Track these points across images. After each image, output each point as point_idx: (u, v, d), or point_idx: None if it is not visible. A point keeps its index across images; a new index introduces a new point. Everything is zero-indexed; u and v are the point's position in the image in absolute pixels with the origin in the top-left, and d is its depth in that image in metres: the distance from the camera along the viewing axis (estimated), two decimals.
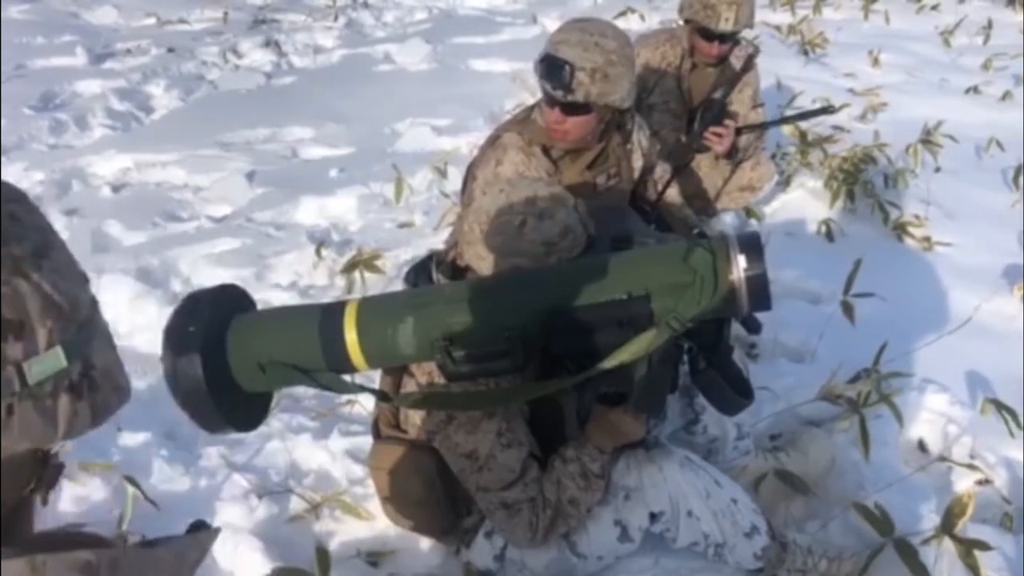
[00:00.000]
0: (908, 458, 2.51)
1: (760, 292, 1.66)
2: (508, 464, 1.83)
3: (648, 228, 2.74)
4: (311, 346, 1.58)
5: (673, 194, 2.94)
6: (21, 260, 0.66)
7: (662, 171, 2.90)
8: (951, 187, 4.02)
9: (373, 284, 3.19)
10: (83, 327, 0.70)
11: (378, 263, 3.27)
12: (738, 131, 3.37)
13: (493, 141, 2.60)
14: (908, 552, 1.92)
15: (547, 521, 1.86)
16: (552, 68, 2.38)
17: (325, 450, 2.45)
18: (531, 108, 2.62)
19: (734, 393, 1.83)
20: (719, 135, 3.25)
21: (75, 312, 0.69)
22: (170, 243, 3.67)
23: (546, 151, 2.53)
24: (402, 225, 3.78)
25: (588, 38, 2.37)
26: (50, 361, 0.67)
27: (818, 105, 3.64)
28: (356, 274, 3.25)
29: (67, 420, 0.69)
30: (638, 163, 2.77)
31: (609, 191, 2.66)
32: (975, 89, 5.23)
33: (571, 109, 2.42)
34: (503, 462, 1.82)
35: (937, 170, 4.13)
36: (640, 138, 2.75)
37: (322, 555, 1.96)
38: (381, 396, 1.88)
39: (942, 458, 2.46)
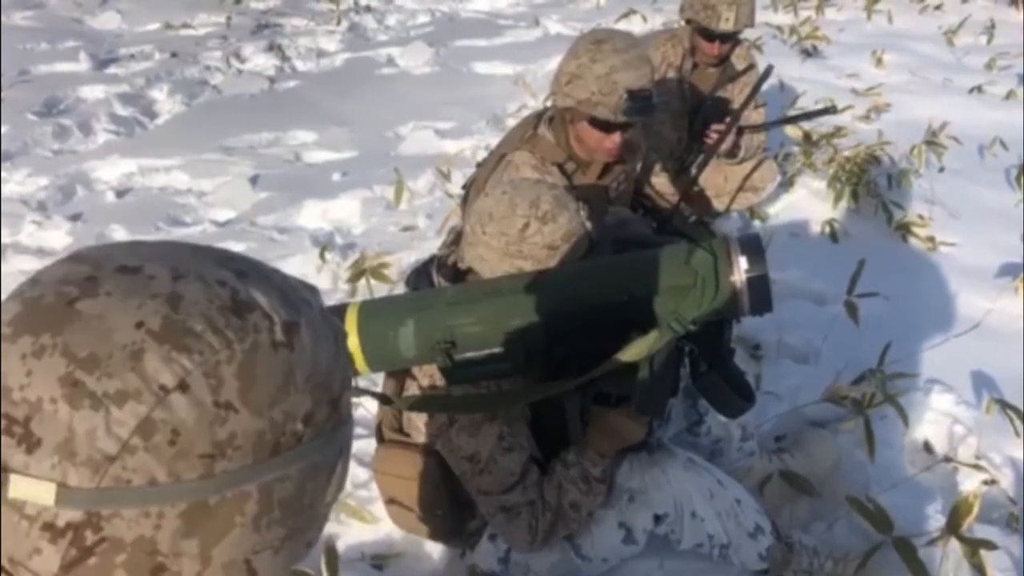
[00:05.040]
0: (913, 459, 2.50)
1: (761, 293, 1.66)
2: (509, 467, 1.82)
3: (649, 230, 2.73)
4: None
5: (668, 189, 2.95)
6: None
7: (663, 180, 2.89)
8: (955, 187, 4.01)
9: (380, 290, 3.18)
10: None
11: (385, 271, 3.25)
12: (740, 131, 3.37)
13: (499, 160, 2.52)
14: (908, 551, 1.92)
15: (546, 525, 1.86)
16: (645, 101, 2.35)
17: None
18: (534, 125, 2.56)
19: (735, 396, 1.83)
20: (719, 132, 3.25)
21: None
22: None
23: (560, 167, 2.48)
24: (405, 228, 3.78)
25: (627, 55, 2.34)
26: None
27: (821, 106, 3.63)
28: (352, 282, 3.24)
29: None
30: (638, 163, 2.77)
31: (619, 196, 2.65)
32: (979, 89, 5.22)
33: (625, 127, 2.41)
34: (504, 465, 1.82)
35: (941, 170, 4.12)
36: (636, 137, 2.75)
37: (331, 556, 1.94)
38: (383, 399, 1.88)
39: (947, 459, 2.45)
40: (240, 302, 0.65)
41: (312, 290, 0.73)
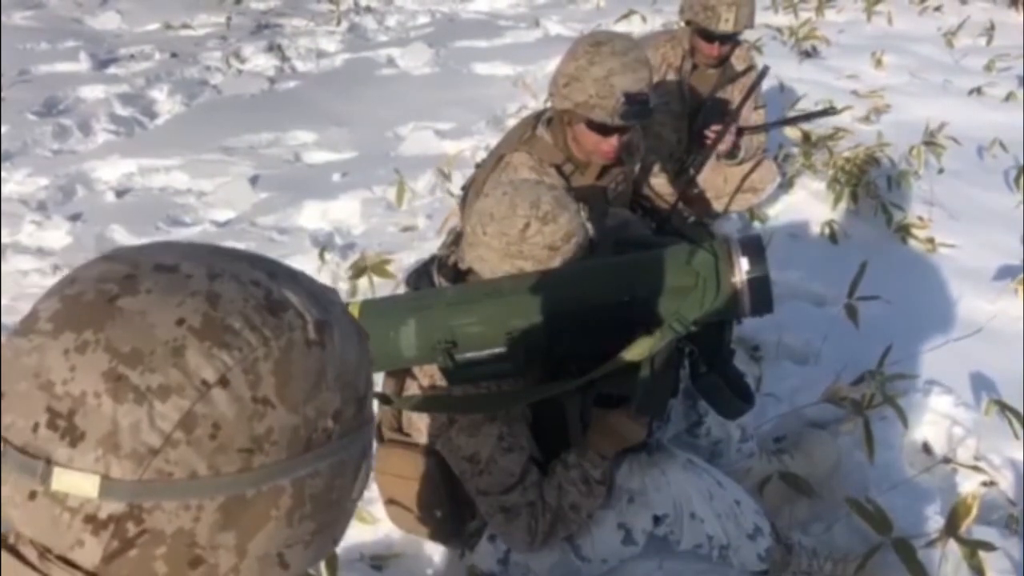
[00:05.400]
0: (912, 460, 2.50)
1: (762, 294, 1.66)
2: (508, 468, 1.82)
3: (649, 231, 2.73)
4: None
5: (667, 190, 2.95)
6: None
7: (663, 181, 2.89)
8: (954, 188, 4.01)
9: (382, 289, 3.18)
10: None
11: (388, 268, 3.25)
12: (740, 132, 3.38)
13: (498, 161, 2.52)
14: (907, 552, 1.92)
15: (546, 526, 1.86)
16: (642, 105, 2.34)
17: None
18: (532, 126, 2.55)
19: (734, 397, 1.83)
20: (717, 132, 3.24)
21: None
22: None
23: (558, 169, 2.48)
24: (405, 229, 3.78)
25: (625, 58, 2.33)
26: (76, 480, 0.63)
27: (820, 107, 3.63)
28: (355, 279, 3.24)
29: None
30: (636, 164, 2.77)
31: (617, 197, 2.65)
32: (978, 90, 5.22)
33: (623, 130, 2.42)
34: (503, 466, 1.82)
35: (940, 171, 4.12)
36: (635, 138, 2.75)
37: (331, 556, 1.94)
38: (383, 399, 1.89)
39: (946, 460, 2.45)
40: (274, 301, 0.67)
41: (333, 292, 0.75)
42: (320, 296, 0.71)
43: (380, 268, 3.20)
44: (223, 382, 0.63)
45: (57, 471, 0.62)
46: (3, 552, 0.68)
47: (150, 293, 0.65)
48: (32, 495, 0.63)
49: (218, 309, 0.65)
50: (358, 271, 3.18)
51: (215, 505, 0.64)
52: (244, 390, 0.64)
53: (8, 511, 0.64)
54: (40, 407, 0.63)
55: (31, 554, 0.67)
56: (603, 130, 2.38)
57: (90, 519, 0.63)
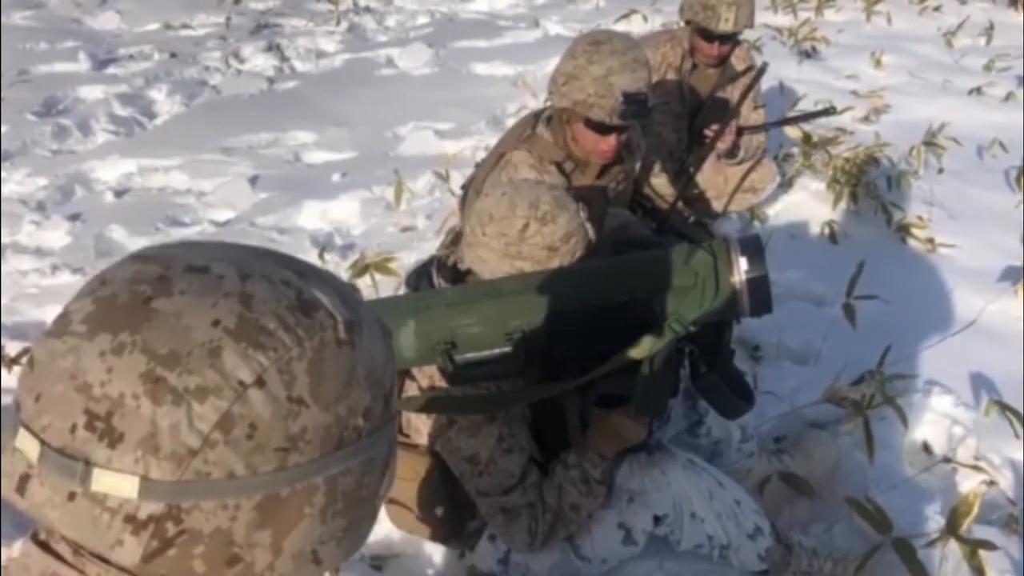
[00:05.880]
0: (912, 460, 2.50)
1: (761, 294, 1.66)
2: (508, 469, 1.82)
3: (649, 231, 2.73)
4: None
5: (668, 190, 2.95)
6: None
7: (663, 181, 2.89)
8: (954, 188, 4.01)
9: (384, 287, 3.17)
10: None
11: (390, 265, 3.25)
12: (739, 131, 3.38)
13: (497, 160, 2.52)
14: (907, 552, 1.92)
15: (546, 527, 1.86)
16: (640, 105, 2.33)
17: None
18: (532, 125, 2.56)
19: (735, 397, 1.83)
20: (716, 130, 3.24)
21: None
22: None
23: (559, 166, 2.48)
24: (405, 229, 3.78)
25: (624, 58, 2.33)
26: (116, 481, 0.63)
27: (820, 107, 3.64)
28: (366, 277, 3.24)
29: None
30: (636, 163, 2.77)
31: (617, 196, 2.65)
32: (978, 90, 5.22)
33: (621, 130, 2.41)
34: (503, 467, 1.82)
35: (940, 171, 4.12)
36: (635, 137, 2.75)
37: None
38: None
39: (946, 460, 2.45)
40: (305, 301, 0.68)
41: (357, 290, 0.76)
42: (347, 295, 0.72)
43: (383, 266, 3.20)
44: (259, 383, 0.64)
45: (96, 472, 0.63)
46: (34, 548, 0.69)
47: (184, 294, 0.65)
48: (71, 496, 0.63)
49: (252, 310, 0.65)
50: (360, 270, 3.18)
51: (252, 504, 0.64)
52: (280, 390, 0.64)
53: (47, 512, 0.65)
54: (78, 409, 0.63)
55: (65, 551, 0.68)
56: (601, 129, 2.38)
57: (130, 519, 0.63)
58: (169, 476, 0.63)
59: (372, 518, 0.75)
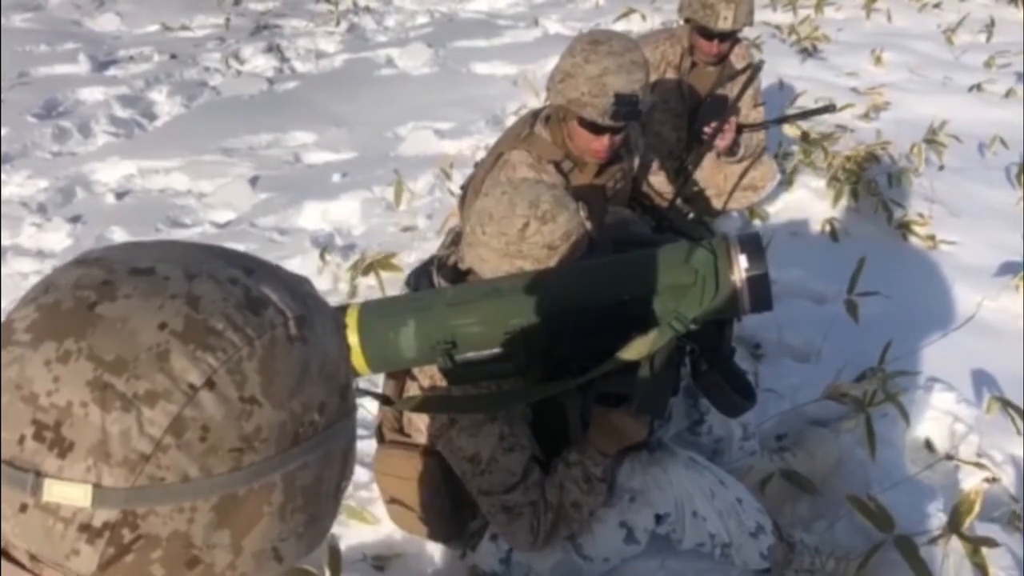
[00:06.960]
0: (914, 457, 2.50)
1: (761, 292, 1.66)
2: (510, 468, 1.82)
3: (648, 229, 2.73)
4: None
5: (666, 188, 2.95)
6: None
7: (662, 180, 2.89)
8: (955, 185, 4.01)
9: (390, 286, 3.17)
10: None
11: (393, 261, 3.25)
12: (739, 129, 3.37)
13: (496, 159, 2.52)
14: (909, 549, 1.92)
15: (548, 525, 1.86)
16: (631, 107, 2.32)
17: None
18: (530, 124, 2.55)
19: (736, 395, 1.83)
20: (714, 127, 3.24)
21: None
22: None
23: (557, 165, 2.47)
24: (405, 229, 3.78)
25: (620, 59, 2.32)
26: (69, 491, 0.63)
27: (820, 104, 3.63)
28: (363, 277, 3.23)
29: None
30: (636, 162, 2.77)
31: (616, 195, 2.65)
32: (978, 87, 5.21)
33: (617, 130, 2.41)
34: (505, 466, 1.82)
35: (941, 168, 4.12)
36: (634, 136, 2.75)
37: (334, 556, 1.93)
38: (383, 400, 1.89)
39: (948, 457, 2.45)
40: (253, 299, 0.67)
41: (307, 282, 0.75)
42: (297, 289, 0.71)
43: (387, 263, 3.20)
44: (210, 384, 0.63)
45: (47, 482, 0.62)
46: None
47: (129, 298, 0.64)
48: (23, 507, 0.63)
49: (199, 311, 0.64)
50: (364, 268, 3.18)
51: (209, 506, 0.64)
52: (231, 391, 0.64)
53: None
54: (25, 419, 0.62)
55: (22, 556, 0.67)
56: (594, 128, 2.38)
57: (84, 528, 0.63)
58: (122, 483, 0.62)
59: (333, 511, 0.74)
